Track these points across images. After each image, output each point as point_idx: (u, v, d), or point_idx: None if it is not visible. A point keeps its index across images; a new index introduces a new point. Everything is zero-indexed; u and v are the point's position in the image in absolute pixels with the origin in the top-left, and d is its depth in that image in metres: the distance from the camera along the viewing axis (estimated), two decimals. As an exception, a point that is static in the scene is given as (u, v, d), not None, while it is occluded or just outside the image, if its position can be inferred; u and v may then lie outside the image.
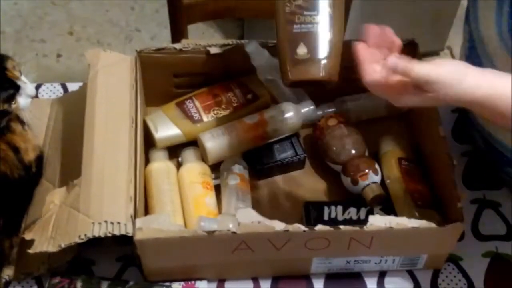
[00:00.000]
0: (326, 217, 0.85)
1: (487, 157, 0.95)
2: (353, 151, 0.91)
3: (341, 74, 0.97)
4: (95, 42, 2.08)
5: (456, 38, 2.09)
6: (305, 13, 0.74)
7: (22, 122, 0.88)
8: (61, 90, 1.04)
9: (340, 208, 0.86)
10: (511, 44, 0.74)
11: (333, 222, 0.84)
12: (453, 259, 0.88)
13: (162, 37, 2.06)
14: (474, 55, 0.84)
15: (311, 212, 0.86)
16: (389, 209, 0.87)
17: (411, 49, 0.96)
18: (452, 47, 2.09)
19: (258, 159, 0.93)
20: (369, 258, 0.83)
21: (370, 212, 0.86)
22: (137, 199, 0.78)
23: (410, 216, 0.79)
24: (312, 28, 0.74)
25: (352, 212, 0.86)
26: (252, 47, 0.93)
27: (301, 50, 0.74)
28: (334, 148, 0.91)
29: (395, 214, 0.86)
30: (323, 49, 0.74)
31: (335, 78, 0.76)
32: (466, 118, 0.97)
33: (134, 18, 2.15)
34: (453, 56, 2.08)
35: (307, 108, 0.96)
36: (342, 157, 0.91)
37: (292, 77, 0.75)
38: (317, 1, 0.74)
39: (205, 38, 2.05)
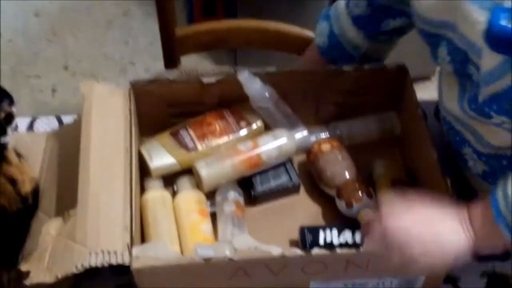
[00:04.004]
0: (321, 241, 0.85)
1: None
2: (347, 175, 0.92)
3: (334, 99, 1.00)
4: (90, 76, 2.10)
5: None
6: None
7: (18, 155, 0.89)
8: (56, 123, 1.05)
9: (335, 231, 0.86)
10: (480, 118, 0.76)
11: (329, 246, 0.85)
12: (451, 279, 0.88)
13: (156, 70, 2.07)
14: (454, 133, 0.85)
15: (306, 236, 0.86)
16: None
17: (401, 75, 0.98)
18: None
19: (253, 185, 0.94)
20: (366, 281, 0.83)
21: (365, 234, 0.86)
22: (133, 228, 0.78)
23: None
24: None
25: (347, 236, 0.86)
26: (244, 76, 0.94)
27: None
28: (328, 172, 0.92)
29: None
30: None
31: None
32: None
33: (128, 51, 2.18)
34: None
35: (300, 134, 0.97)
36: (336, 181, 0.91)
37: None
38: None
39: (198, 69, 2.07)
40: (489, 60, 0.68)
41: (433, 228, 0.73)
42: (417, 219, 0.73)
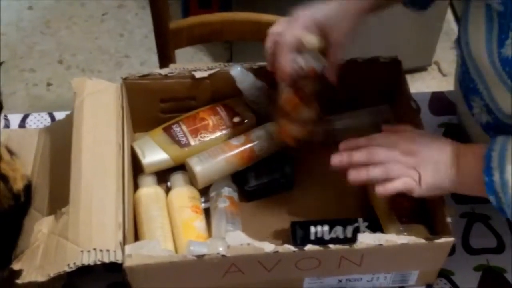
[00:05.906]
0: (312, 237, 0.85)
1: None
2: None
3: (326, 92, 0.99)
4: (84, 69, 2.09)
5: (443, 53, 2.11)
6: None
7: (10, 152, 0.88)
8: (49, 120, 1.04)
9: (326, 227, 0.86)
10: (504, 74, 0.74)
11: (320, 241, 0.84)
12: (445, 274, 0.88)
13: (151, 63, 2.08)
14: (468, 79, 0.84)
15: (297, 232, 0.86)
16: (376, 228, 0.87)
17: (394, 67, 0.97)
18: (439, 62, 2.11)
19: (247, 181, 0.93)
20: (360, 276, 0.83)
21: (357, 230, 0.86)
22: (126, 225, 0.78)
23: (396, 232, 0.79)
24: None
25: (338, 231, 0.85)
26: (236, 71, 0.93)
27: None
28: None
29: (382, 232, 0.86)
30: None
31: None
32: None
33: (123, 44, 2.17)
34: (440, 71, 2.10)
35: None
36: None
37: None
38: None
39: (194, 62, 2.06)
40: None
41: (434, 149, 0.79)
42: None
